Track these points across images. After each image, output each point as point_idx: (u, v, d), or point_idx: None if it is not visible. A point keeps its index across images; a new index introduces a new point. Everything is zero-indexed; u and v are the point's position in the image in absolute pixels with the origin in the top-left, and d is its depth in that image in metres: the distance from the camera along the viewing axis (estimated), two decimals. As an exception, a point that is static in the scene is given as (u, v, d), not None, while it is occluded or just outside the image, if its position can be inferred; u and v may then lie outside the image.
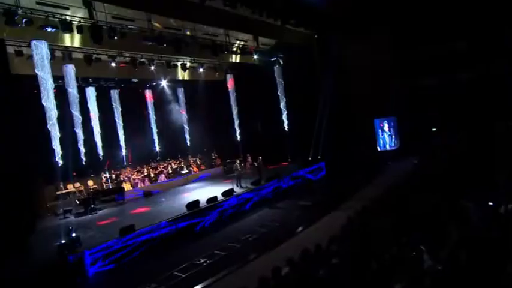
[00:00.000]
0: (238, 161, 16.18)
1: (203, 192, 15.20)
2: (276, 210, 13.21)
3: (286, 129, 20.35)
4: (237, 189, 14.33)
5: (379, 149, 18.56)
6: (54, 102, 11.80)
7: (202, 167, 21.33)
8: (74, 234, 9.88)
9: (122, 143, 19.58)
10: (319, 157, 18.28)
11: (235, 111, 21.70)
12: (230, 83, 21.50)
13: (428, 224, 5.41)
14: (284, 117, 20.47)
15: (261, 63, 19.30)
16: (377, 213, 7.22)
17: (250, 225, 11.44)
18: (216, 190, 14.36)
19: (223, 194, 13.31)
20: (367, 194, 12.11)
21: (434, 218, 5.59)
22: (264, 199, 14.20)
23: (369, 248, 4.96)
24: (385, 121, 18.36)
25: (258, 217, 12.54)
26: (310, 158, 18.28)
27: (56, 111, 11.57)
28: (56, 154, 11.91)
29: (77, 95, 15.30)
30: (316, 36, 18.23)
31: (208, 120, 21.96)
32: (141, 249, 10.07)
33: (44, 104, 11.74)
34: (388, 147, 18.35)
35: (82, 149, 16.56)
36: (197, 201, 12.35)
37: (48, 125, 11.73)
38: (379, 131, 18.56)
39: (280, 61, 20.14)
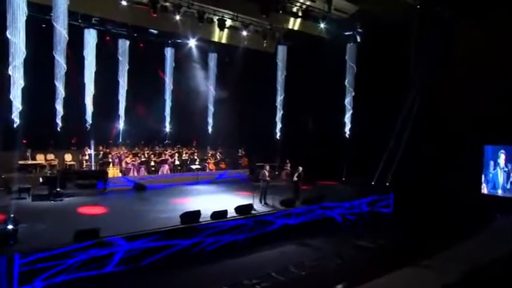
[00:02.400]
0: (268, 167, 14.91)
1: (212, 200, 14.96)
2: (307, 248, 12.52)
3: (347, 136, 20.17)
4: (258, 207, 13.88)
5: (485, 191, 17.39)
6: (24, 36, 10.88)
7: (222, 165, 20.94)
8: (10, 226, 9.09)
9: (122, 111, 19.24)
10: (387, 184, 17.68)
11: (280, 98, 21.72)
12: (281, 58, 21.45)
13: None
14: (348, 118, 20.24)
15: (329, 36, 19.05)
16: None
17: (263, 264, 10.78)
18: (230, 201, 14.19)
19: (238, 209, 12.81)
20: (462, 255, 11.35)
21: None
22: (294, 229, 13.67)
23: None
24: (503, 151, 16.89)
25: (278, 254, 11.84)
26: (373, 183, 17.99)
27: (24, 49, 10.71)
28: (13, 109, 11.05)
29: (66, 36, 14.74)
30: (419, 8, 17.20)
31: (241, 103, 21.82)
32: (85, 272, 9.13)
33: (8, 37, 11.08)
34: (500, 191, 16.98)
35: (60, 110, 16.04)
36: (197, 213, 11.82)
37: (10, 67, 10.92)
38: (491, 163, 17.24)
39: (358, 38, 19.52)
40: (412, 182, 16.81)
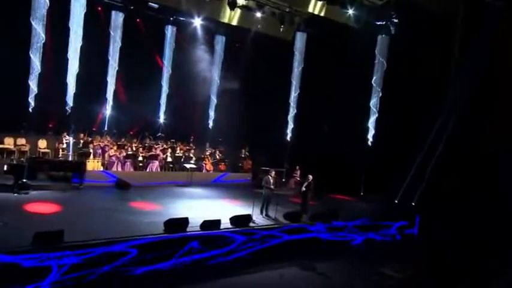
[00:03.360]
0: (273, 173, 14.64)
1: (205, 206, 14.86)
2: (313, 273, 12.16)
3: (370, 143, 20.02)
4: (258, 218, 13.65)
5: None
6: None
7: (221, 167, 20.70)
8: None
9: (110, 95, 19.07)
10: (412, 204, 17.53)
11: (294, 94, 21.74)
12: (299, 47, 21.40)
13: None
14: (372, 122, 20.05)
15: (358, 25, 19.00)
16: None
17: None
18: (226, 209, 14.13)
19: (234, 220, 12.66)
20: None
21: None
22: (297, 247, 13.40)
23: None
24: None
25: (277, 278, 11.47)
26: (396, 201, 18.05)
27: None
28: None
29: (47, 2, 14.40)
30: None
31: (250, 96, 21.54)
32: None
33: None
34: None
35: (33, 88, 15.73)
36: (185, 221, 11.57)
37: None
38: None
39: (392, 29, 19.24)
40: (441, 203, 16.75)
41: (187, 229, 11.34)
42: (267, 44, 20.69)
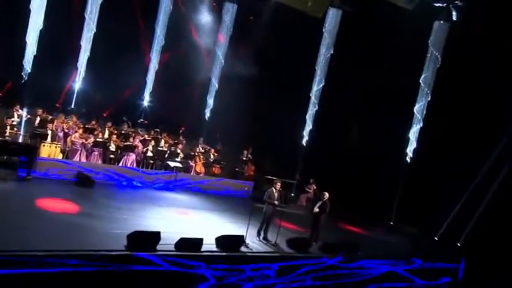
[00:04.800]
0: (279, 184, 14.22)
1: (186, 219, 14.80)
2: None
3: (408, 159, 20.07)
4: (253, 241, 13.38)
5: None
6: None
7: (215, 169, 20.80)
8: None
9: (82, 64, 18.91)
10: (458, 244, 17.56)
11: (318, 87, 21.68)
12: (331, 28, 21.32)
13: None
14: (413, 133, 20.07)
15: (410, 5, 19.22)
16: None
17: None
18: (212, 226, 14.17)
19: (220, 241, 12.32)
20: None
21: None
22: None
23: None
24: None
25: None
26: (436, 238, 18.14)
27: None
28: None
29: None
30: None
31: (260, 85, 21.51)
32: None
33: None
34: None
35: None
36: (155, 236, 11.17)
37: None
38: None
39: (454, 14, 19.12)
40: (492, 247, 16.69)
41: (158, 247, 11.00)
42: (289, 20, 20.64)
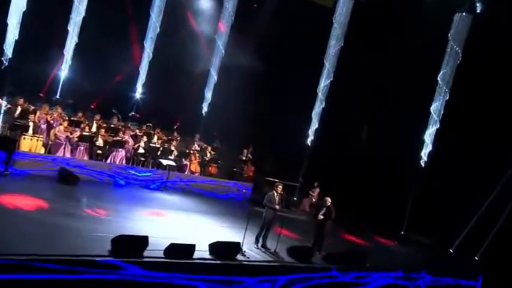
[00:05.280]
0: (280, 187, 14.11)
1: (177, 223, 14.74)
2: None
3: (423, 164, 19.94)
4: (251, 249, 13.23)
5: None
6: None
7: (212, 169, 20.93)
8: None
9: (69, 51, 18.70)
10: (476, 258, 17.60)
11: (326, 82, 21.54)
12: (342, 18, 21.15)
13: None
14: (429, 135, 19.93)
15: None
16: None
17: None
18: (206, 231, 14.07)
19: (214, 248, 12.24)
20: None
21: None
22: None
23: None
24: None
25: None
26: (451, 250, 18.27)
27: None
28: None
29: None
30: None
31: (264, 79, 21.45)
32: None
33: None
34: None
35: None
36: (143, 241, 11.04)
37: None
38: None
39: (477, 5, 19.07)
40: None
41: (145, 253, 10.90)
42: (296, 9, 20.67)
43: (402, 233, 19.39)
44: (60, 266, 9.54)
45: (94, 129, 18.31)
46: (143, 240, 10.92)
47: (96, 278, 10.07)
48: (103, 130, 18.42)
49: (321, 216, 14.61)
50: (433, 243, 18.58)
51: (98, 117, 18.86)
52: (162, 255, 11.01)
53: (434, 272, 15.74)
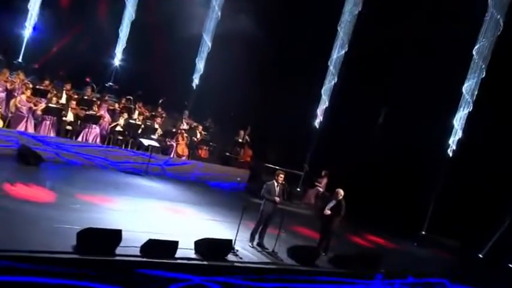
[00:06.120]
0: (282, 176, 13.81)
1: (158, 214, 14.56)
2: None
3: (450, 154, 19.90)
4: (245, 247, 13.14)
5: None
6: None
7: (202, 152, 21.07)
8: None
9: (34, 10, 18.76)
10: (510, 266, 17.79)
11: (339, 53, 21.68)
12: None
13: None
14: (459, 120, 19.81)
15: None
16: None
17: None
18: (192, 225, 14.04)
19: (201, 246, 12.07)
20: None
21: None
22: None
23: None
24: None
25: None
26: (481, 256, 18.26)
27: None
28: None
29: None
30: None
31: (266, 49, 21.84)
32: None
33: None
34: None
35: None
36: (115, 236, 10.80)
37: None
38: None
39: None
40: None
41: (117, 250, 10.63)
42: None
43: (423, 233, 19.46)
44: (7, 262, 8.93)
45: (63, 100, 18.13)
46: (115, 235, 10.63)
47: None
48: (74, 102, 18.15)
49: (328, 211, 14.27)
50: (459, 246, 18.77)
51: (68, 86, 18.71)
52: (138, 253, 10.73)
53: (458, 280, 15.60)
